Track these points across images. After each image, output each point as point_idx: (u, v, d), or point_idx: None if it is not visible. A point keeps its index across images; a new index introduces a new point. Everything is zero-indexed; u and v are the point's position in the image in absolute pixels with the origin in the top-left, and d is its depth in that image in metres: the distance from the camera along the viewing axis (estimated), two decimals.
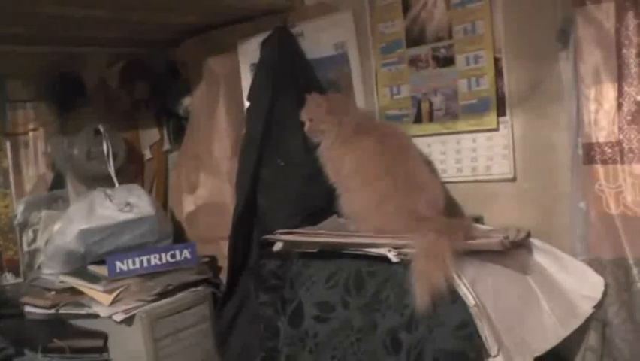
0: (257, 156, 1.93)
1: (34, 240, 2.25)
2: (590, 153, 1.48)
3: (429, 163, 1.77)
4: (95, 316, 1.89)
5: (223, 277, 2.19)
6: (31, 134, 2.56)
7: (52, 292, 2.01)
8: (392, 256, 1.36)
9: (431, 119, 1.79)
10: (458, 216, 1.71)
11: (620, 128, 1.44)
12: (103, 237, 2.05)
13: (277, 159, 1.92)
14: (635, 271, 1.41)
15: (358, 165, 1.61)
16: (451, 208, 1.69)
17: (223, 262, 2.21)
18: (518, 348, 1.23)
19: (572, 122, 1.53)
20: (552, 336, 1.32)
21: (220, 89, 2.26)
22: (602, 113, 1.46)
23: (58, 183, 2.58)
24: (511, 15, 1.61)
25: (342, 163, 1.63)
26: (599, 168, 1.47)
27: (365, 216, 1.55)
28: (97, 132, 2.40)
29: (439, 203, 1.56)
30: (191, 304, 2.01)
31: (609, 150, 1.46)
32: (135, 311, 1.87)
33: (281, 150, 1.91)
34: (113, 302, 1.89)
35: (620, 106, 1.44)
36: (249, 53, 2.16)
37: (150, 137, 2.68)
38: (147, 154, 2.69)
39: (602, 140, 1.47)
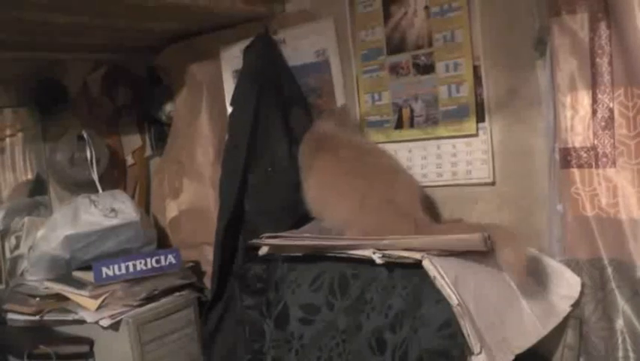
0: (243, 161, 1.94)
1: (17, 246, 2.24)
2: (566, 158, 1.52)
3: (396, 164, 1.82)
4: (81, 322, 1.88)
5: (207, 281, 2.20)
6: (8, 139, 2.54)
7: (37, 299, 1.99)
8: (376, 257, 1.38)
9: (412, 125, 1.83)
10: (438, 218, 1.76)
11: (594, 134, 1.49)
12: (88, 243, 2.05)
13: (263, 165, 1.94)
14: (609, 270, 1.46)
15: (324, 182, 1.69)
16: (431, 210, 1.74)
17: (207, 267, 2.23)
18: (500, 346, 1.27)
19: (548, 128, 1.57)
20: (532, 334, 1.36)
21: (202, 95, 2.27)
22: (577, 119, 1.51)
23: (38, 189, 2.57)
24: (489, 24, 1.65)
25: (308, 188, 1.72)
26: (575, 172, 1.51)
27: (352, 223, 1.59)
28: (80, 138, 2.40)
29: (415, 194, 1.64)
30: (176, 309, 2.02)
31: (584, 155, 1.50)
32: (121, 316, 1.87)
33: (267, 156, 1.94)
34: (99, 308, 1.89)
35: (594, 112, 1.48)
36: (232, 59, 2.18)
37: (132, 142, 2.69)
38: (129, 160, 2.69)
39: (577, 145, 1.51)
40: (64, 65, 2.50)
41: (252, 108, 1.94)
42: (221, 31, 2.24)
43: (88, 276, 1.99)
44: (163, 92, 2.50)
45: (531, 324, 1.37)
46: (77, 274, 2.05)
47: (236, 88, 2.10)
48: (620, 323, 1.43)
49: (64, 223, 2.06)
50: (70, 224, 2.06)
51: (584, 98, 1.49)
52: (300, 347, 1.49)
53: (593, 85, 1.48)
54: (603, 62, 1.46)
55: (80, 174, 2.41)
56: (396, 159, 1.83)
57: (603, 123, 1.47)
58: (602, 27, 1.45)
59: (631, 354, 1.41)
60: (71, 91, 2.51)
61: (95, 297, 1.91)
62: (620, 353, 1.42)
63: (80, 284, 1.98)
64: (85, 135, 2.39)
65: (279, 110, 1.94)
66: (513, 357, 1.28)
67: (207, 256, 2.17)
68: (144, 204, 2.62)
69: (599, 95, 1.47)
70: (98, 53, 2.52)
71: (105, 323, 1.85)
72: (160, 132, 2.60)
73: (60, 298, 1.98)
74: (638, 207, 1.42)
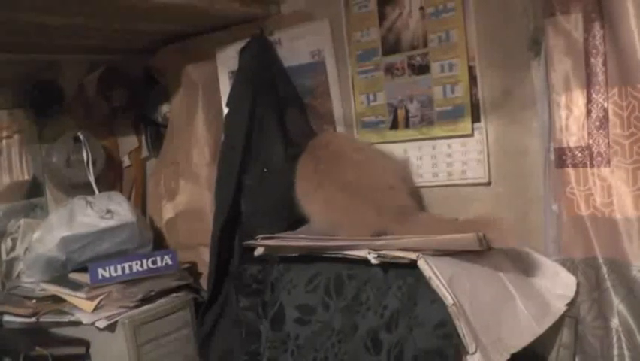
0: (239, 162, 1.94)
1: (12, 248, 2.23)
2: (561, 157, 1.53)
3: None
4: (77, 323, 1.88)
5: (204, 282, 2.20)
6: (4, 141, 2.54)
7: (33, 301, 1.99)
8: (372, 257, 1.39)
9: (407, 125, 1.83)
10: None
11: (589, 133, 1.49)
12: (84, 244, 2.05)
13: (259, 166, 1.94)
14: (604, 270, 1.46)
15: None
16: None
17: (203, 268, 2.22)
18: (495, 346, 1.27)
19: (543, 128, 1.58)
20: (527, 334, 1.36)
21: (198, 96, 2.28)
22: (572, 119, 1.51)
23: (34, 190, 2.56)
24: (484, 25, 1.66)
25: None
26: (570, 172, 1.52)
27: (344, 219, 1.60)
28: (76, 140, 2.40)
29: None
30: (172, 310, 2.03)
31: (579, 154, 1.51)
32: (118, 318, 1.87)
33: (262, 157, 1.94)
34: (96, 309, 1.89)
35: (589, 112, 1.48)
36: (227, 60, 2.18)
37: (129, 144, 2.69)
38: (126, 161, 2.69)
39: (572, 144, 1.51)
40: (59, 67, 2.49)
41: (247, 109, 1.95)
42: (216, 32, 2.25)
43: (84, 277, 1.99)
44: (159, 93, 2.50)
45: (526, 323, 1.38)
46: (73, 275, 2.05)
47: (231, 89, 2.10)
48: (615, 322, 1.43)
49: (60, 225, 2.06)
50: (66, 225, 2.05)
51: (579, 98, 1.50)
52: (296, 348, 1.50)
53: (588, 85, 1.48)
54: (597, 62, 1.46)
55: (76, 176, 2.40)
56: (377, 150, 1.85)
57: (598, 123, 1.48)
58: (596, 27, 1.45)
59: (626, 353, 1.42)
60: (67, 93, 2.50)
61: (92, 298, 1.91)
62: (616, 352, 1.43)
63: (76, 286, 1.98)
64: (81, 137, 2.39)
65: (274, 110, 1.94)
66: (508, 356, 1.28)
67: (203, 257, 2.17)
68: (141, 206, 2.62)
69: (594, 95, 1.48)
70: (94, 55, 2.53)
71: (101, 324, 1.85)
72: (156, 134, 2.60)
73: (56, 299, 1.98)
74: (632, 207, 1.42)
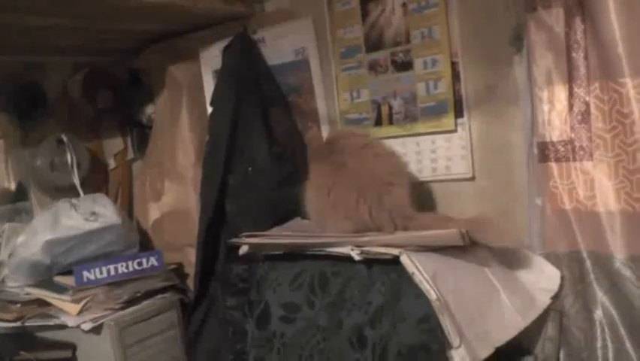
0: (223, 162, 1.93)
1: None
2: (544, 152, 1.54)
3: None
4: (63, 326, 1.87)
5: (190, 283, 2.19)
6: None
7: (18, 305, 1.97)
8: (355, 254, 1.39)
9: (391, 122, 1.83)
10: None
11: (571, 128, 1.50)
12: (69, 247, 2.04)
13: (243, 165, 1.94)
14: (588, 263, 1.47)
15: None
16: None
17: (190, 269, 2.21)
18: (480, 339, 1.27)
19: (526, 123, 1.58)
20: (512, 327, 1.36)
21: (183, 96, 2.27)
22: (554, 113, 1.52)
23: (19, 195, 2.55)
24: (466, 21, 1.66)
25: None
26: (553, 166, 1.52)
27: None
28: (60, 142, 2.38)
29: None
30: (158, 311, 2.01)
31: (562, 149, 1.51)
32: (103, 320, 1.86)
33: (247, 156, 1.93)
34: (81, 312, 1.88)
35: (571, 106, 1.49)
36: (211, 59, 2.18)
37: (114, 146, 2.67)
38: (111, 163, 2.68)
39: (555, 139, 1.52)
40: (43, 69, 2.48)
41: (231, 108, 1.94)
42: (200, 32, 2.24)
43: (69, 280, 1.97)
44: (144, 94, 2.49)
45: (511, 317, 1.38)
46: (58, 278, 2.03)
47: (215, 88, 2.09)
48: (599, 314, 1.44)
49: (44, 228, 2.04)
50: (50, 229, 2.04)
51: (561, 93, 1.50)
52: (282, 346, 1.49)
53: (570, 79, 1.49)
54: (579, 57, 1.47)
55: (61, 179, 2.39)
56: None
57: (580, 117, 1.48)
58: (578, 22, 1.46)
59: (609, 344, 1.43)
60: (51, 95, 2.49)
61: (77, 301, 1.90)
62: (599, 344, 1.44)
63: (61, 289, 1.96)
64: (65, 139, 2.38)
65: (258, 109, 1.94)
66: (493, 350, 1.28)
67: (190, 258, 2.16)
68: (127, 208, 2.61)
69: (576, 89, 1.49)
70: (78, 56, 2.51)
71: (87, 326, 1.83)
72: (142, 135, 2.59)
73: (41, 303, 1.96)
74: (614, 200, 1.43)
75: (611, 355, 1.43)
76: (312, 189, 1.65)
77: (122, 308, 1.93)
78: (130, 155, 2.67)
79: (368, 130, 1.86)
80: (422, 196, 1.78)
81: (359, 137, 1.74)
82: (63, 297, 1.92)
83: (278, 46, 2.03)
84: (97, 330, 1.86)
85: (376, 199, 1.54)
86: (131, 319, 1.92)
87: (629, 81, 1.36)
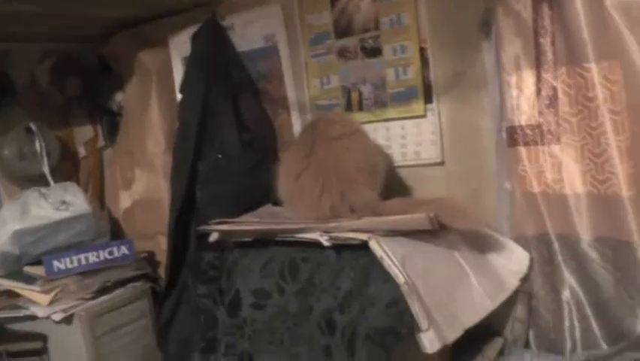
0: (193, 149, 1.92)
1: None
2: (513, 136, 1.55)
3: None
4: (33, 318, 1.85)
5: (162, 271, 2.18)
6: None
7: None
8: (324, 240, 1.39)
9: (361, 108, 1.83)
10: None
11: (539, 112, 1.51)
12: (38, 237, 2.01)
13: (213, 152, 1.92)
14: (556, 245, 1.49)
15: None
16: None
17: (161, 257, 2.21)
18: (449, 322, 1.28)
19: (495, 108, 1.60)
20: (481, 310, 1.38)
21: (152, 83, 2.25)
22: (522, 98, 1.53)
23: None
24: (435, 7, 1.67)
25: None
26: (522, 150, 1.54)
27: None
28: (28, 131, 2.34)
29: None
30: (130, 300, 2.01)
31: (530, 133, 1.53)
32: (74, 310, 1.85)
33: (217, 143, 1.92)
34: (51, 302, 1.86)
35: (539, 91, 1.51)
36: (180, 46, 2.16)
37: (84, 134, 2.64)
38: (82, 152, 2.64)
39: (523, 123, 1.54)
40: (9, 56, 2.43)
41: (200, 95, 1.93)
42: (169, 18, 2.21)
43: (39, 270, 1.95)
44: (114, 81, 2.46)
45: (480, 300, 1.39)
46: (28, 269, 2.01)
47: (184, 75, 2.08)
48: (566, 295, 1.47)
49: (13, 218, 2.02)
50: (18, 219, 2.01)
51: (529, 78, 1.52)
52: (253, 333, 1.49)
53: (537, 65, 1.50)
54: (546, 42, 1.48)
55: (30, 168, 2.35)
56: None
57: (547, 101, 1.50)
58: (545, 8, 1.47)
59: (576, 323, 1.46)
60: (18, 82, 2.44)
61: (47, 291, 1.88)
62: (567, 323, 1.47)
63: (30, 279, 1.94)
64: (33, 128, 2.33)
65: (228, 96, 1.93)
66: (462, 332, 1.30)
67: (162, 246, 2.15)
68: (98, 196, 2.58)
69: (543, 75, 1.50)
70: (46, 43, 2.47)
71: (57, 317, 1.82)
72: (112, 123, 2.57)
73: (11, 294, 1.94)
74: (581, 182, 1.45)
75: (578, 334, 1.46)
76: (284, 173, 1.65)
77: (93, 298, 1.92)
78: (100, 143, 2.64)
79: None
80: (392, 181, 1.79)
81: (341, 125, 1.66)
82: (33, 288, 1.90)
83: (247, 32, 2.02)
84: (68, 320, 1.84)
85: (338, 196, 1.53)
86: (102, 308, 1.91)
87: (593, 66, 1.38)
